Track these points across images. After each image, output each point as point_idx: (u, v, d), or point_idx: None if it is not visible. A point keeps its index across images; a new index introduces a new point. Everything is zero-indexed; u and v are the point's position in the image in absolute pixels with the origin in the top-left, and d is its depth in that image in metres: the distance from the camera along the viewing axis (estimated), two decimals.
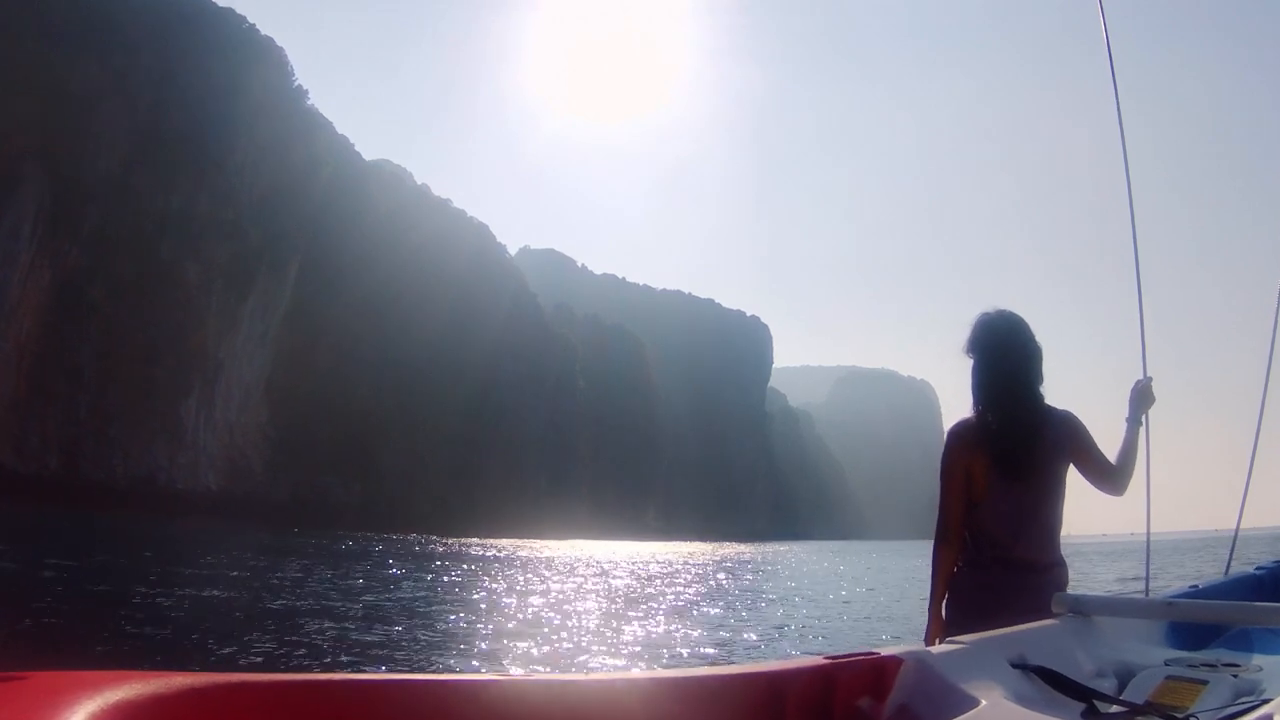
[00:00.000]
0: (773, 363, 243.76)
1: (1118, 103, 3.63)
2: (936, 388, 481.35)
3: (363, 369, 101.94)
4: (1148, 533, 3.38)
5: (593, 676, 1.51)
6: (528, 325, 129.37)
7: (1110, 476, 3.08)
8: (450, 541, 65.18)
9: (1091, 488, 3.14)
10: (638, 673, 1.87)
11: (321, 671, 1.49)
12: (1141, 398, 3.20)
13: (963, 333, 3.25)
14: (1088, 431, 3.13)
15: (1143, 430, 3.18)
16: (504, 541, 73.57)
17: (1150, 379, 3.25)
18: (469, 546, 55.83)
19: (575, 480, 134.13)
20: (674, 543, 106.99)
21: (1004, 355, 3.14)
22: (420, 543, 57.65)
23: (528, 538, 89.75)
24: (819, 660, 1.84)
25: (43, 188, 76.79)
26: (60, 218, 78.02)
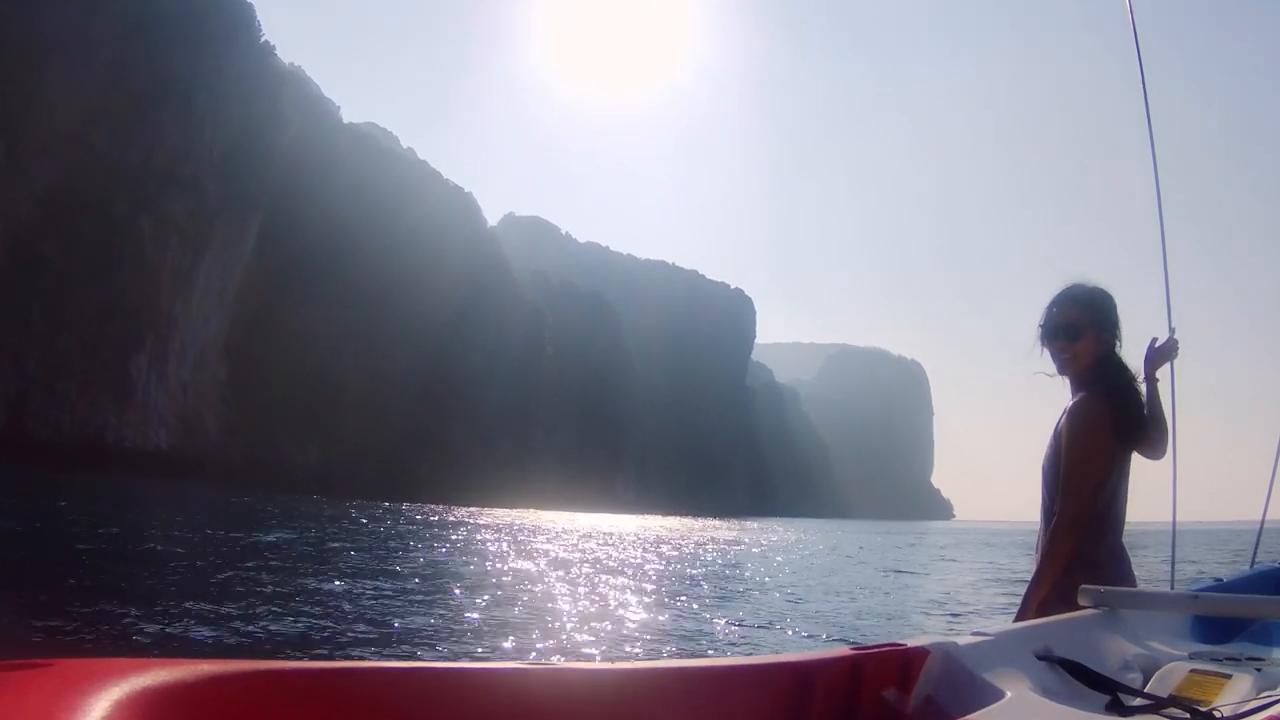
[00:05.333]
0: (755, 337, 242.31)
1: (1143, 82, 3.63)
2: (927, 368, 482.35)
3: (325, 329, 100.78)
4: (1173, 525, 3.36)
5: (618, 665, 1.50)
6: (496, 290, 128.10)
7: (1150, 439, 3.02)
8: (402, 507, 64.41)
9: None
10: (664, 662, 1.81)
11: (331, 660, 1.51)
12: (1157, 354, 3.09)
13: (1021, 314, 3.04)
14: None
15: (1170, 403, 3.08)
16: (462, 510, 72.81)
17: (1174, 339, 3.13)
18: (418, 513, 54.97)
19: (541, 448, 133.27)
20: (642, 516, 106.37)
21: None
22: (367, 509, 56.73)
23: (490, 506, 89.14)
24: (845, 651, 1.84)
25: None
26: (14, 171, 76.57)
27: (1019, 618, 2.79)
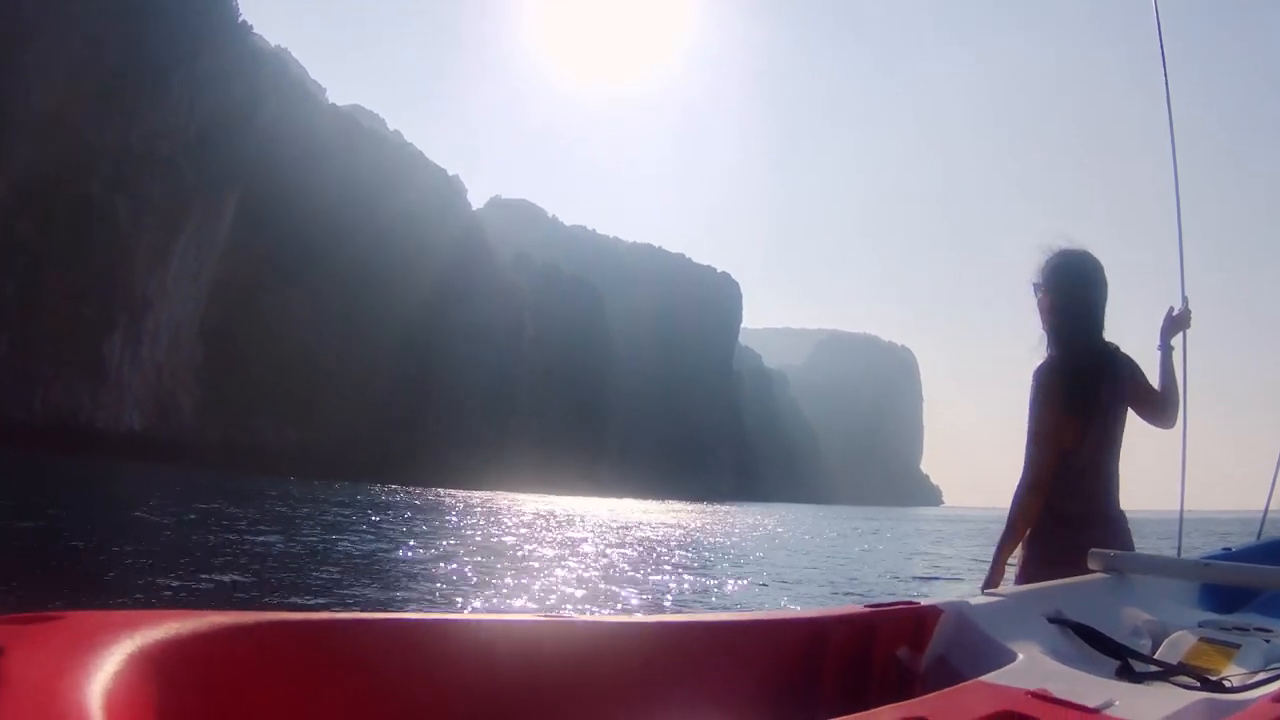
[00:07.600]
0: (741, 320, 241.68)
1: (1163, 55, 3.66)
2: (918, 355, 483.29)
3: (305, 311, 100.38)
4: (1181, 492, 3.38)
5: (632, 619, 1.53)
6: (477, 271, 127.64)
7: (1159, 406, 3.00)
8: (376, 489, 64.35)
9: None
10: (679, 616, 1.80)
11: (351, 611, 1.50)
12: (1172, 324, 3.11)
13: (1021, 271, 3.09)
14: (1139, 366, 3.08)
15: (1181, 379, 3.08)
16: (439, 491, 72.84)
17: (1187, 309, 3.14)
18: (388, 495, 54.88)
19: (522, 431, 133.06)
20: (622, 499, 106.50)
21: (1087, 289, 3.01)
22: (343, 491, 56.63)
23: (470, 489, 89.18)
24: (859, 609, 1.88)
25: None
26: None
27: (988, 581, 2.82)
